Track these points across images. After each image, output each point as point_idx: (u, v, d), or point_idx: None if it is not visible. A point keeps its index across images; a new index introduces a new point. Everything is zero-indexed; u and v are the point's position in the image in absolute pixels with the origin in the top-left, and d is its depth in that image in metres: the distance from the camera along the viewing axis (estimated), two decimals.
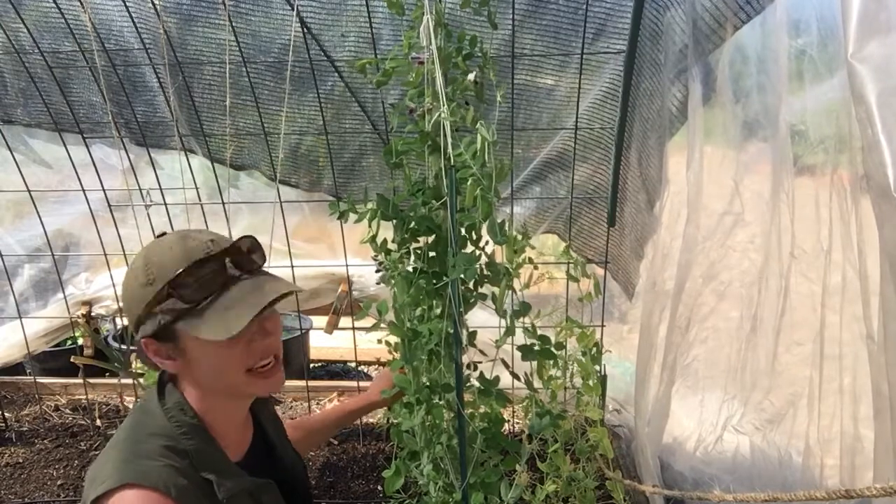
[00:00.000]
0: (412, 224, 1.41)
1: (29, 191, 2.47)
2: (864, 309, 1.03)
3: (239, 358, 1.06)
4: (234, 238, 1.11)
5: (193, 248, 1.04)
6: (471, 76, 1.27)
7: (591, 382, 1.83)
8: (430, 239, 1.44)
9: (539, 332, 1.59)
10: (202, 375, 1.08)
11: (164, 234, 1.12)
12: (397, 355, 1.55)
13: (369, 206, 1.41)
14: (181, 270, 1.01)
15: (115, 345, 3.09)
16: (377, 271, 1.55)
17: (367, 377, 3.65)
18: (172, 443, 1.08)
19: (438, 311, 1.43)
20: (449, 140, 1.05)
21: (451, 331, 1.35)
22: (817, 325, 1.29)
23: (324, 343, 3.35)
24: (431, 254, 1.46)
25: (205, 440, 1.11)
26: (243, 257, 1.08)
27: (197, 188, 2.38)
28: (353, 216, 1.44)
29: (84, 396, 2.91)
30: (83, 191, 2.41)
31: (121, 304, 2.69)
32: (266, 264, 1.16)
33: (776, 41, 1.28)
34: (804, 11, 1.23)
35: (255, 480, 1.15)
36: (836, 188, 1.17)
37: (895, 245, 0.85)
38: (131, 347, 2.83)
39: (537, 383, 1.68)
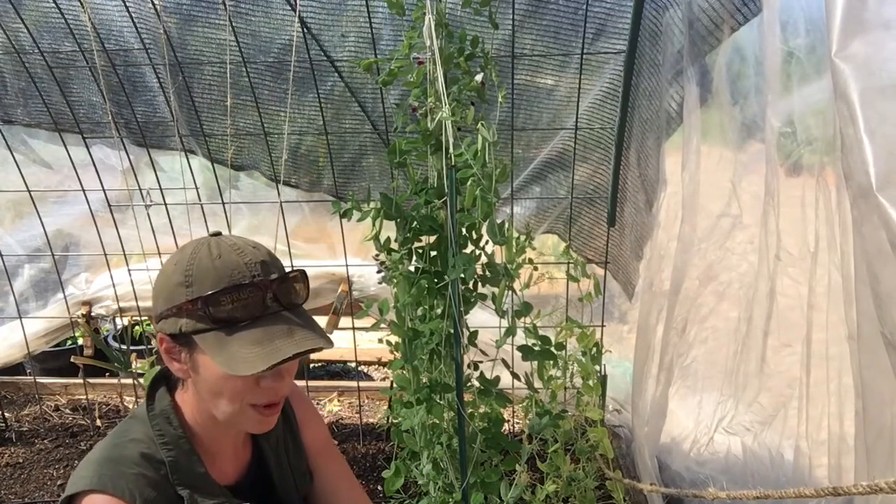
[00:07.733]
0: (415, 223, 1.41)
1: (29, 191, 2.48)
2: (847, 309, 1.02)
3: (243, 392, 1.02)
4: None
5: (239, 266, 0.99)
6: (478, 77, 1.28)
7: (591, 382, 1.84)
8: (433, 238, 1.45)
9: (539, 332, 1.59)
10: (202, 391, 1.05)
11: (219, 233, 1.07)
12: (398, 355, 1.56)
13: (372, 205, 1.42)
14: (219, 290, 0.97)
15: (115, 345, 3.09)
16: (379, 271, 1.56)
17: (368, 377, 3.66)
18: (150, 451, 1.06)
19: (440, 310, 1.44)
20: (451, 140, 1.06)
21: (452, 330, 1.36)
22: (805, 327, 1.29)
23: None
24: (433, 253, 1.46)
25: (185, 454, 1.08)
26: (287, 291, 1.04)
27: (197, 188, 2.39)
28: (355, 215, 1.44)
29: (84, 396, 2.91)
30: (83, 191, 2.42)
31: (120, 303, 2.71)
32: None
33: (770, 43, 1.28)
34: (793, 13, 1.23)
35: (235, 502, 1.12)
36: (822, 189, 1.17)
37: (873, 245, 0.83)
38: (131, 347, 2.83)
39: (537, 383, 1.69)
